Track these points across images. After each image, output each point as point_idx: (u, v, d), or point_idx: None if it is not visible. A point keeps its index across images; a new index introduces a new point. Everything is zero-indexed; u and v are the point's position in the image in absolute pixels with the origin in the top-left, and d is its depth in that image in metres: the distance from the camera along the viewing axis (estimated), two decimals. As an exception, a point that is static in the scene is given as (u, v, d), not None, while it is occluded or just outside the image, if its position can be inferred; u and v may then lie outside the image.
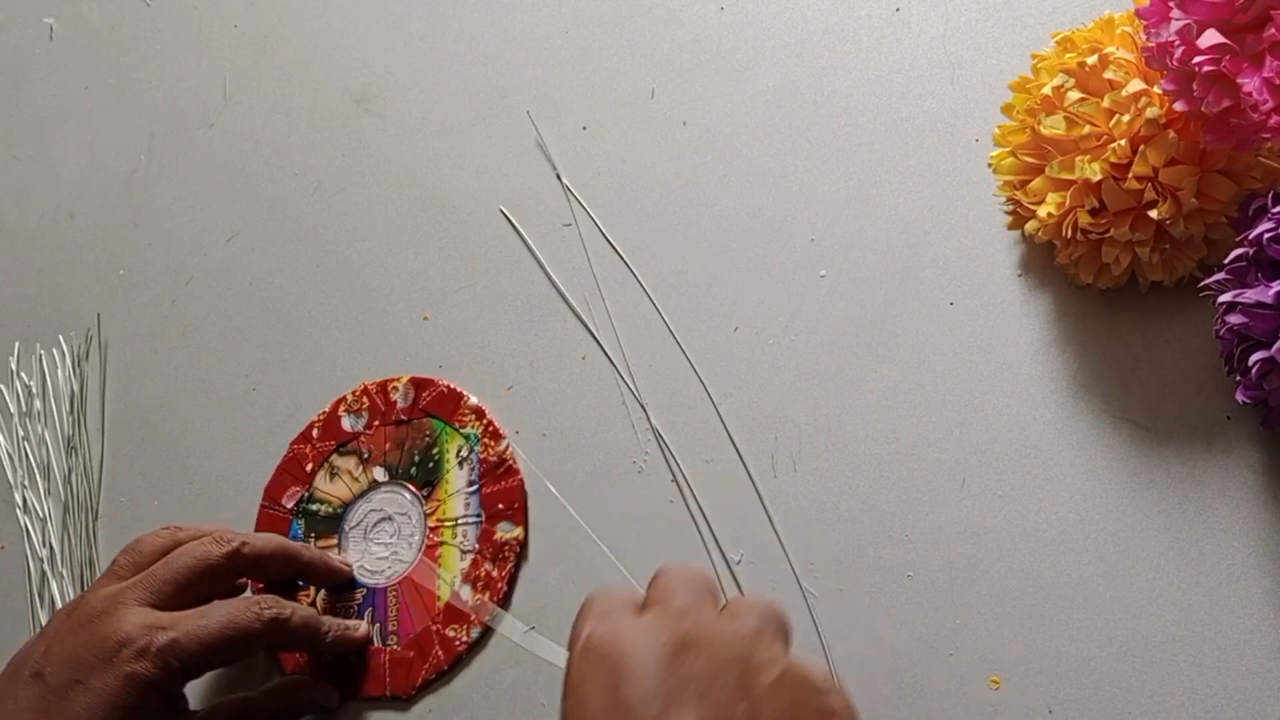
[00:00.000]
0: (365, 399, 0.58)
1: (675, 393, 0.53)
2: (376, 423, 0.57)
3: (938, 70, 0.54)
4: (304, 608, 0.49)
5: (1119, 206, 0.43)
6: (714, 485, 0.50)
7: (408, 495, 0.55)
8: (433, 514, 0.54)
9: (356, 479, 0.57)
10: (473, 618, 0.51)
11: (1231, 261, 0.41)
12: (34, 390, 0.66)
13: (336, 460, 0.57)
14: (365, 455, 0.57)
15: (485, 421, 0.55)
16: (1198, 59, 0.39)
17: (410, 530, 0.55)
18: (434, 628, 0.52)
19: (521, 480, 0.54)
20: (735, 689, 0.36)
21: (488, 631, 0.51)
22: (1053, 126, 0.44)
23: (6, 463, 0.65)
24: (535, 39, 0.64)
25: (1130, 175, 0.42)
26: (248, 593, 0.54)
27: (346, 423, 0.58)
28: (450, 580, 0.53)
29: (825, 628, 0.46)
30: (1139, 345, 0.46)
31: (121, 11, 0.78)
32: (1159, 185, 0.42)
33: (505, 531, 0.53)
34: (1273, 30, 0.38)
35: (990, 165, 0.47)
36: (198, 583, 0.48)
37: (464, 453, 0.55)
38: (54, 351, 0.67)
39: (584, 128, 0.61)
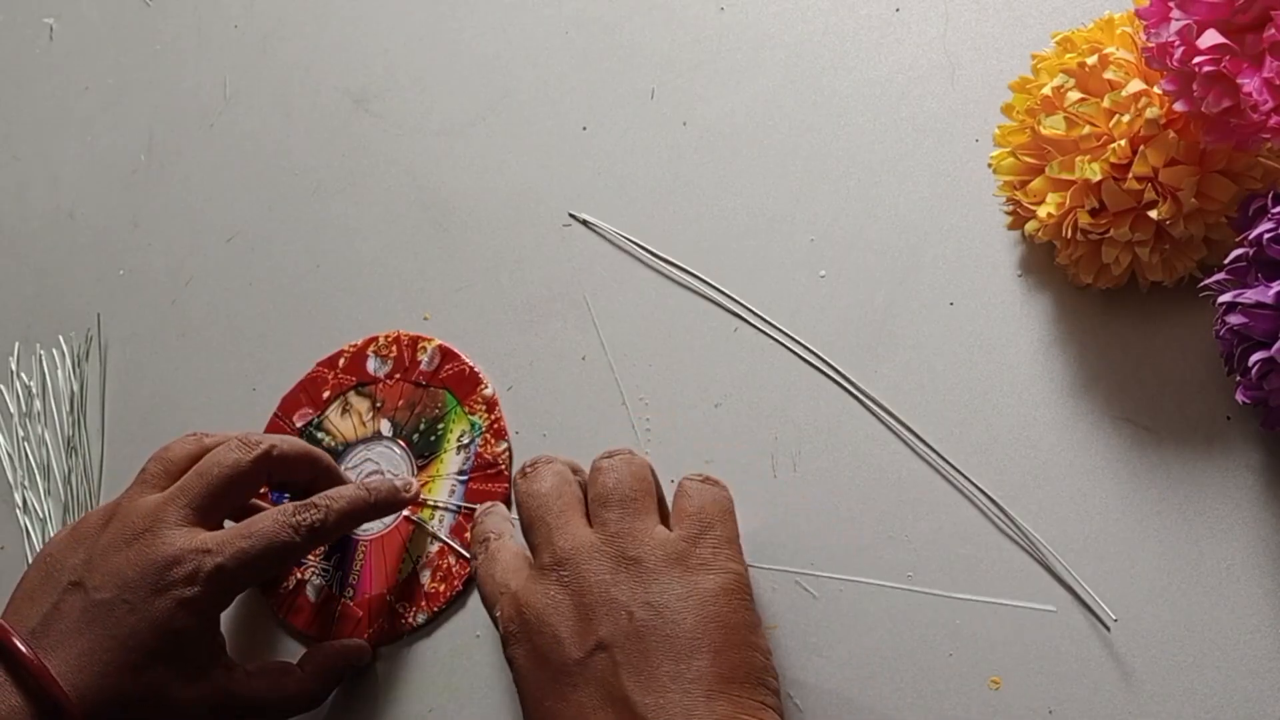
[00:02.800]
0: (394, 348, 0.58)
1: (675, 393, 0.53)
2: (398, 376, 0.57)
3: (938, 70, 0.54)
4: (336, 502, 0.49)
5: (1119, 206, 0.43)
6: (714, 485, 0.50)
7: (404, 458, 0.56)
8: (420, 489, 0.55)
9: (365, 423, 0.57)
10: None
11: (1231, 261, 0.40)
12: (34, 390, 0.66)
13: (353, 398, 0.58)
14: (379, 404, 0.57)
15: (493, 416, 0.55)
16: (1198, 59, 0.39)
17: None
18: (388, 598, 0.53)
19: (507, 489, 0.53)
20: (618, 577, 0.42)
21: (436, 615, 0.52)
22: (1053, 127, 0.44)
23: (6, 463, 0.65)
24: (535, 39, 0.64)
25: (1130, 175, 0.42)
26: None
27: (371, 364, 0.58)
28: (414, 559, 0.53)
29: (825, 628, 0.46)
30: (1139, 345, 0.46)
31: (121, 11, 0.78)
32: (1159, 185, 0.42)
33: None
34: (1273, 30, 0.38)
35: (990, 165, 0.47)
36: (232, 490, 0.48)
37: (465, 439, 0.55)
38: (54, 351, 0.67)
39: (584, 128, 0.61)
